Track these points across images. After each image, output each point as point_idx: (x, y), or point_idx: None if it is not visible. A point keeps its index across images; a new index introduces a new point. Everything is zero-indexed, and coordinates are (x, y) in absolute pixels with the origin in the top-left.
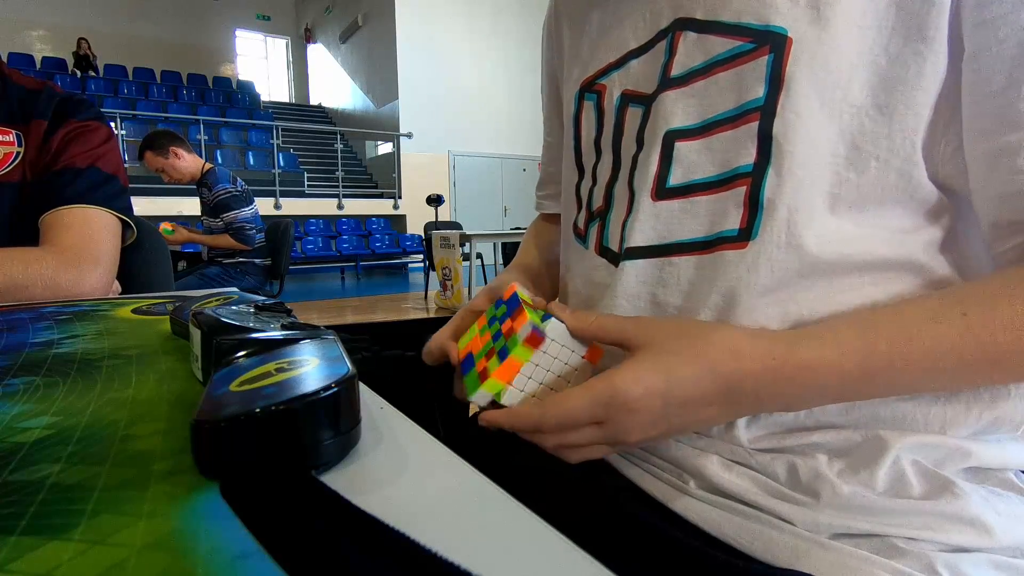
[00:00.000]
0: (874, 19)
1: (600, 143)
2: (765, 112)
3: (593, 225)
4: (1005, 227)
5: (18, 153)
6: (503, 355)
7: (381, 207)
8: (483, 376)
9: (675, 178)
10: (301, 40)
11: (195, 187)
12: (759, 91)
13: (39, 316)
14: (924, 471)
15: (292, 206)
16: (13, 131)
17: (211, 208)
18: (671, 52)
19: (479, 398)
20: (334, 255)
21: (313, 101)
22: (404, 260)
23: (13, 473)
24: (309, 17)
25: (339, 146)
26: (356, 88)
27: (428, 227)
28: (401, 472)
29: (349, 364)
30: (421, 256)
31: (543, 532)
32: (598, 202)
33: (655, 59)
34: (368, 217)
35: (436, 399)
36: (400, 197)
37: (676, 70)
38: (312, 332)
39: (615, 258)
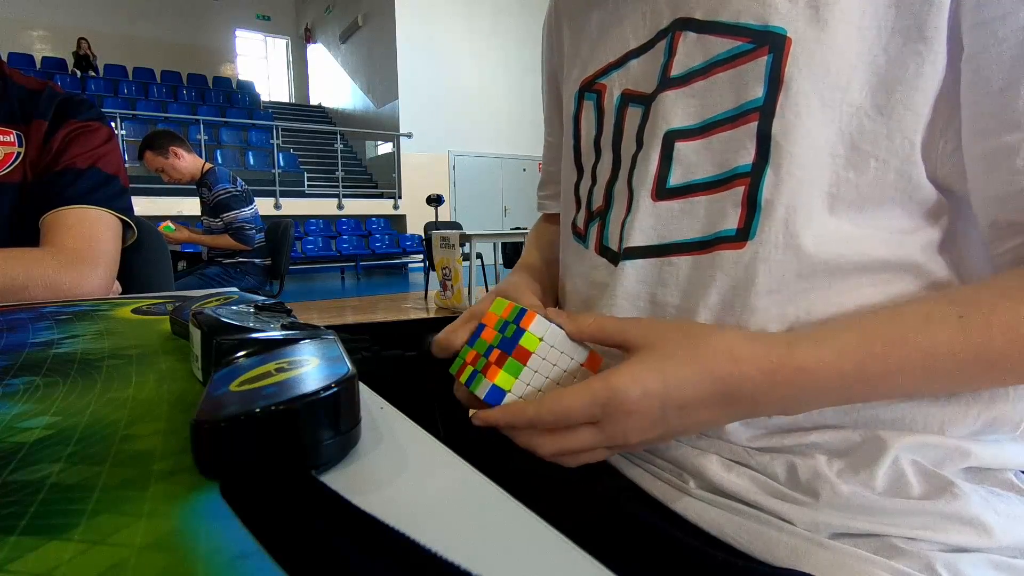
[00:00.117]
0: (873, 19)
1: (600, 143)
2: (764, 112)
3: (593, 225)
4: (1004, 228)
5: (19, 153)
6: (502, 361)
7: (381, 207)
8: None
9: (675, 178)
10: (301, 40)
11: (195, 187)
12: (758, 91)
13: (39, 316)
14: (923, 471)
15: (292, 206)
16: (14, 131)
17: (211, 208)
18: (671, 52)
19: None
20: (334, 255)
21: (313, 101)
22: (404, 260)
23: (13, 473)
24: (309, 17)
25: (339, 146)
26: (356, 88)
27: (428, 227)
28: (401, 472)
29: (349, 364)
30: (421, 256)
31: (543, 532)
32: (598, 202)
33: (655, 59)
34: (368, 217)
35: (436, 399)
36: (400, 197)
37: (676, 70)
38: (312, 332)
39: (615, 258)
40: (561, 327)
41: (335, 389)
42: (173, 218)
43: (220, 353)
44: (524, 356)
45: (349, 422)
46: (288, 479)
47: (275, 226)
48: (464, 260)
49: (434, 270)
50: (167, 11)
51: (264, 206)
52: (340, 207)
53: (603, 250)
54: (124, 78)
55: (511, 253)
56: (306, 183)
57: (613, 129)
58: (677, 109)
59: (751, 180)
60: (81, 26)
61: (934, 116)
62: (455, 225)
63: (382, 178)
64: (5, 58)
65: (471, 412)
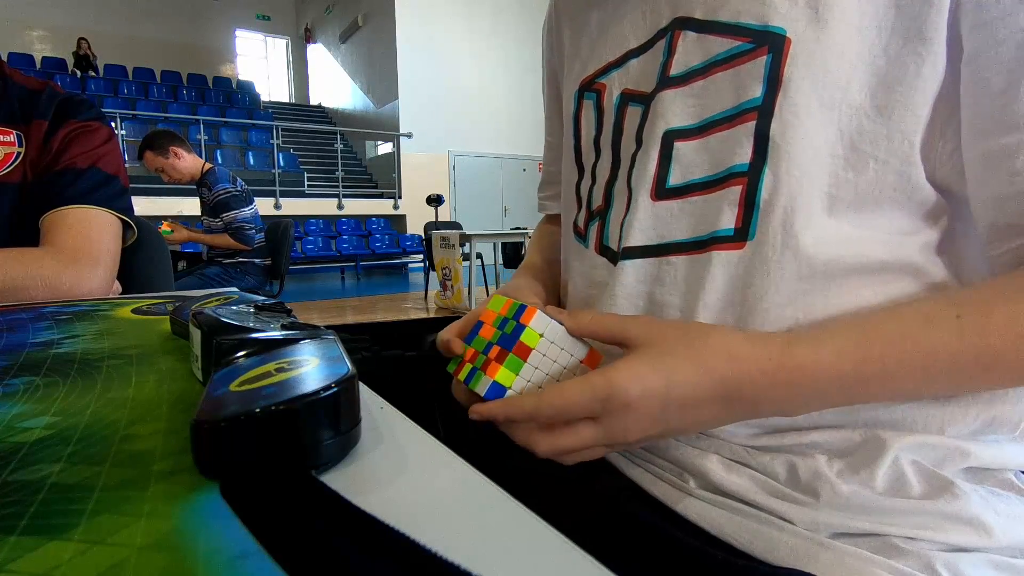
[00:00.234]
0: (873, 20)
1: (599, 142)
2: (762, 112)
3: (593, 224)
4: (1002, 229)
5: (19, 153)
6: (502, 358)
7: (381, 207)
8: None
9: (674, 178)
10: (301, 40)
11: (195, 187)
12: (757, 91)
13: (39, 316)
14: (923, 471)
15: (292, 206)
16: (14, 131)
17: (211, 208)
18: (670, 51)
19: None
20: (334, 255)
21: (313, 101)
22: (404, 260)
23: (13, 473)
24: (309, 17)
25: (339, 146)
26: (356, 88)
27: (428, 227)
28: (401, 472)
29: (349, 364)
30: (421, 256)
31: (543, 532)
32: (598, 201)
33: (654, 58)
34: (368, 217)
35: (436, 399)
36: (400, 197)
37: (675, 69)
38: (312, 332)
39: (614, 257)
40: (561, 323)
41: (335, 389)
42: (173, 218)
43: (220, 353)
44: (525, 352)
45: (349, 422)
46: (288, 479)
47: (275, 226)
48: (464, 260)
49: (434, 270)
50: (167, 11)
51: (264, 206)
52: (340, 207)
53: (603, 249)
54: (124, 78)
55: (511, 253)
56: (306, 183)
57: (613, 128)
58: (676, 108)
59: (748, 179)
60: (81, 26)
61: (933, 117)
62: (455, 225)
63: (382, 178)
64: (5, 58)
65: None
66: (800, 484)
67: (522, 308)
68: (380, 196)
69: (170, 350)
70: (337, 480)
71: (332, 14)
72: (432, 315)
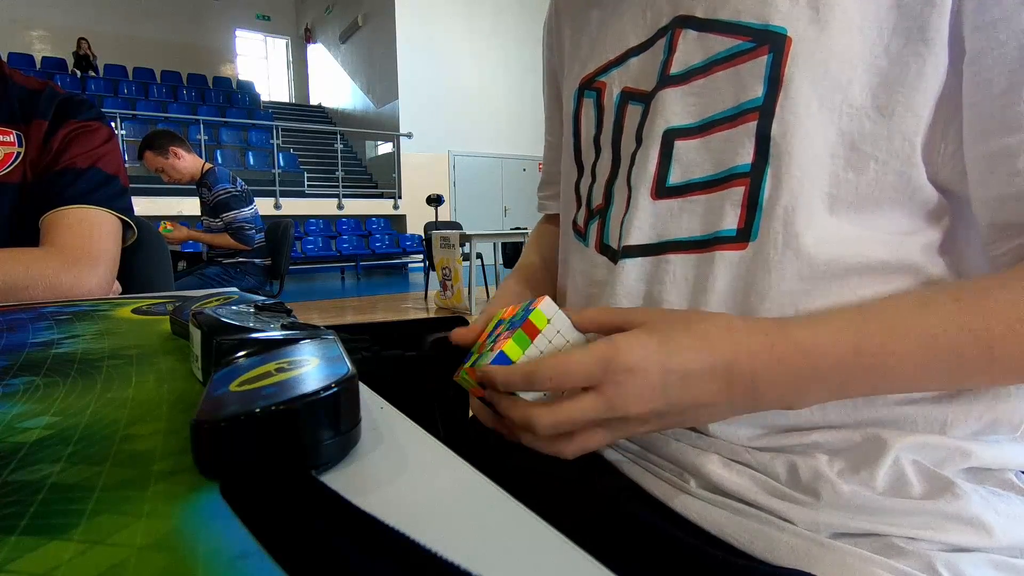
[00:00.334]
0: (874, 20)
1: (600, 140)
2: (764, 112)
3: (593, 223)
4: (1003, 229)
5: (19, 153)
6: (511, 334)
7: (381, 207)
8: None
9: (674, 177)
10: (301, 40)
11: (195, 187)
12: (758, 91)
13: (39, 316)
14: (924, 471)
15: (292, 206)
16: (14, 131)
17: (211, 208)
18: (671, 50)
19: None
20: (334, 255)
21: (313, 101)
22: (404, 260)
23: (13, 473)
24: (309, 17)
25: (339, 146)
26: (356, 88)
27: (428, 227)
28: (401, 472)
29: (349, 364)
30: (421, 256)
31: (543, 532)
32: (598, 200)
33: (655, 57)
34: (368, 217)
35: (436, 399)
36: (400, 197)
37: (675, 68)
38: (312, 332)
39: (614, 256)
40: (568, 316)
41: (335, 389)
42: (172, 218)
43: (220, 353)
44: (533, 332)
45: (349, 422)
46: (288, 479)
47: (275, 226)
48: (464, 260)
49: (434, 270)
50: (167, 11)
51: (264, 206)
52: (340, 207)
53: (603, 248)
54: (124, 78)
55: (511, 253)
56: (306, 183)
57: (613, 127)
58: (676, 107)
59: (751, 181)
60: (81, 26)
61: (935, 118)
62: (455, 225)
63: (382, 178)
64: (5, 58)
65: (461, 373)
66: (801, 484)
67: (532, 301)
68: (380, 196)
69: (170, 350)
70: (337, 480)
71: (332, 14)
72: (432, 315)
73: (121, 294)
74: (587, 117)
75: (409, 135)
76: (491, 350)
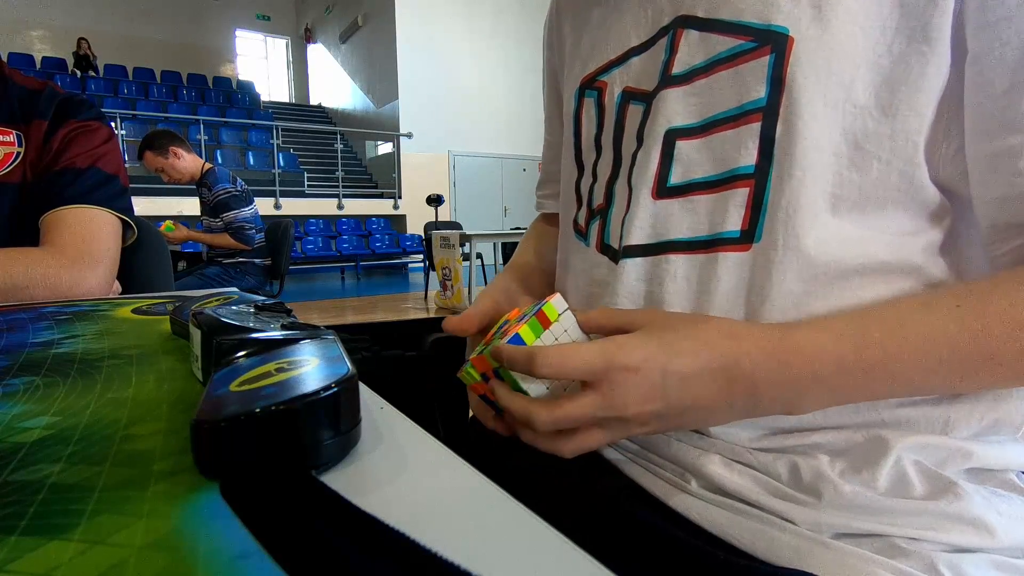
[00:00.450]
0: (877, 19)
1: (600, 140)
2: (767, 113)
3: (594, 222)
4: (1004, 230)
5: (19, 153)
6: (524, 322)
7: (381, 207)
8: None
9: (675, 177)
10: (301, 40)
11: (195, 187)
12: (760, 91)
13: (39, 316)
14: (926, 471)
15: (292, 206)
16: (14, 131)
17: (211, 208)
18: (672, 50)
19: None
20: (334, 255)
21: (313, 101)
22: (404, 260)
23: (13, 473)
24: (309, 17)
25: (339, 146)
26: (356, 88)
27: (428, 227)
28: (401, 472)
29: (349, 364)
30: (421, 256)
31: (543, 532)
32: (599, 199)
33: (656, 56)
34: (368, 217)
35: (436, 399)
36: (400, 197)
37: (677, 68)
38: (312, 332)
39: (615, 255)
40: (574, 314)
41: (335, 389)
42: (173, 218)
43: (220, 353)
44: (546, 322)
45: (349, 422)
46: (288, 479)
47: (275, 226)
48: (464, 260)
49: (434, 270)
50: (167, 11)
51: (264, 206)
52: (340, 207)
53: (604, 248)
54: (124, 78)
55: (511, 253)
56: (306, 183)
57: (614, 127)
58: (678, 107)
59: (756, 182)
60: (81, 26)
61: (937, 117)
62: (455, 225)
63: (382, 178)
64: (5, 58)
65: (465, 367)
66: (802, 484)
67: (542, 300)
68: (380, 196)
69: (170, 350)
70: (337, 480)
71: (332, 14)
72: (432, 315)
73: (121, 294)
74: (588, 116)
75: (409, 135)
76: (500, 338)
